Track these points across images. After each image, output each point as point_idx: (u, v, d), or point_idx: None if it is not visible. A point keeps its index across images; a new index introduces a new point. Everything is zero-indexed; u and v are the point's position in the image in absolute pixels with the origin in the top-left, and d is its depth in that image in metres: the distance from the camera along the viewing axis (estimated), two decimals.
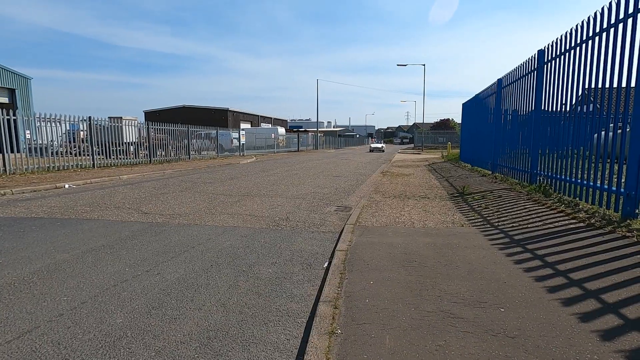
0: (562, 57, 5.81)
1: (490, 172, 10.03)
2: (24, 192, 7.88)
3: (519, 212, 5.15)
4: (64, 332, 2.23)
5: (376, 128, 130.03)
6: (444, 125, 67.58)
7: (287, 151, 35.06)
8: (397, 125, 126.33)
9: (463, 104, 15.77)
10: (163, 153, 17.62)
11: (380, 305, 2.42)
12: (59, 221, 5.14)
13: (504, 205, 5.66)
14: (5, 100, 23.57)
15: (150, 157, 16.40)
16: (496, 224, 4.61)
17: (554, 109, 6.12)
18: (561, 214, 4.81)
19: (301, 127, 68.75)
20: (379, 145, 39.92)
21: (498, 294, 2.58)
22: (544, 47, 6.55)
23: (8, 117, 10.59)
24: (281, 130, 37.57)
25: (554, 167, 6.04)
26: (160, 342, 2.14)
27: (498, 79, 9.55)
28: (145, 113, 46.82)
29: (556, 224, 4.37)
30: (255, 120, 51.54)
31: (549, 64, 6.33)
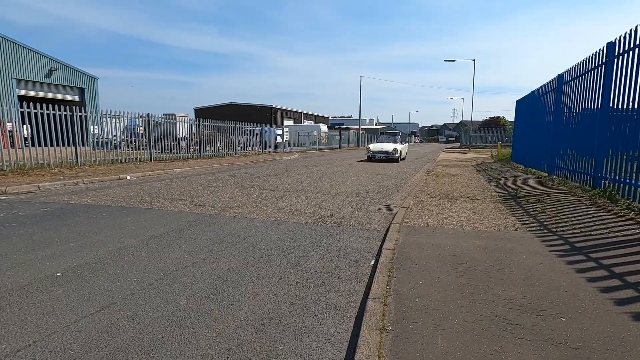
0: (638, 49, 5.28)
1: (547, 174, 9.40)
2: (93, 182, 8.70)
3: (580, 217, 4.80)
4: (136, 309, 2.47)
5: (420, 126, 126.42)
6: (494, 123, 64.11)
7: (329, 148, 35.24)
8: (442, 123, 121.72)
9: (517, 101, 14.87)
10: (211, 148, 18.50)
11: (430, 306, 2.41)
12: (124, 209, 5.63)
13: (563, 210, 5.30)
14: (75, 98, 26.04)
15: (200, 152, 17.30)
16: (554, 229, 4.34)
17: (625, 107, 5.59)
18: (630, 222, 4.41)
19: (343, 124, 68.66)
20: (387, 148, 17.37)
21: (558, 302, 2.45)
22: (614, 40, 6.00)
23: (80, 114, 11.71)
24: (323, 127, 37.74)
25: (623, 170, 5.53)
26: (220, 325, 2.30)
27: (558, 75, 8.89)
28: (195, 110, 49.37)
29: (625, 233, 4.02)
30: (298, 117, 52.34)
31: (620, 57, 5.79)
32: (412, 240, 3.96)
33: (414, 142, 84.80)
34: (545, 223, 4.65)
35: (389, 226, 4.66)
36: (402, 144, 18.64)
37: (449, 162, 16.91)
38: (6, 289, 2.72)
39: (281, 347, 2.07)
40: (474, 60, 32.46)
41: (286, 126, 28.07)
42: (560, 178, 8.29)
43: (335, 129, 47.53)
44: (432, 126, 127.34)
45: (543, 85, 10.46)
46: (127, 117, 13.84)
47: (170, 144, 15.86)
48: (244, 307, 2.54)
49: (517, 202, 6.21)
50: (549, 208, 5.51)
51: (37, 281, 2.87)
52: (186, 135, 17.60)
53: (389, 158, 17.03)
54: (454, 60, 33.15)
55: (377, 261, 3.41)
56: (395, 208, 6.04)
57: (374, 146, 17.81)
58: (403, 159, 18.70)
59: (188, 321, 2.33)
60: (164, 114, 16.53)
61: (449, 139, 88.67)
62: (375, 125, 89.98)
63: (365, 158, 18.39)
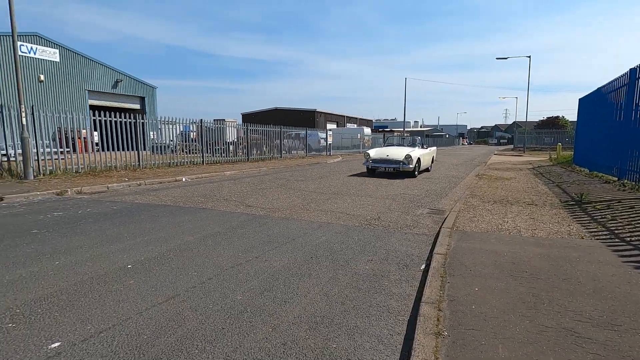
0: None
1: (616, 179, 8.54)
2: (153, 184, 9.40)
3: None
4: (197, 301, 2.64)
5: (468, 127, 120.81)
6: (552, 123, 59.49)
7: None
8: (493, 125, 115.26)
9: (580, 99, 13.70)
10: (258, 152, 19.15)
11: (489, 314, 2.31)
12: (182, 209, 6.02)
13: (639, 218, 4.79)
14: (137, 106, 28.32)
15: (247, 156, 17.99)
16: (628, 238, 3.95)
17: None
18: None
19: (386, 127, 67.69)
20: (397, 154, 11.10)
21: (637, 317, 2.24)
22: None
23: (143, 120, 12.74)
24: (367, 130, 37.44)
25: None
26: (275, 320, 2.38)
27: (630, 69, 8.07)
28: (242, 115, 51.44)
29: None
30: (341, 120, 52.48)
31: None
32: (464, 245, 3.81)
33: (462, 144, 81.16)
34: (616, 231, 4.25)
35: (439, 230, 4.53)
36: (422, 148, 12.51)
37: (502, 166, 15.98)
38: (88, 277, 3.04)
39: (334, 346, 2.10)
40: (529, 57, 30.47)
41: (329, 129, 28.28)
42: (634, 183, 7.50)
43: (379, 131, 46.93)
44: (481, 128, 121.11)
45: (612, 81, 9.55)
46: (181, 123, 14.78)
47: (220, 148, 16.68)
48: (296, 304, 2.61)
49: (583, 208, 5.72)
50: (621, 215, 5.01)
51: (112, 272, 3.18)
52: (235, 140, 18.41)
53: (398, 170, 10.93)
54: (506, 58, 31.32)
55: (428, 265, 3.34)
56: (445, 212, 5.84)
57: (376, 152, 11.63)
58: (427, 169, 12.90)
59: (245, 315, 2.44)
60: (214, 120, 17.42)
61: (501, 140, 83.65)
62: (420, 127, 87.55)
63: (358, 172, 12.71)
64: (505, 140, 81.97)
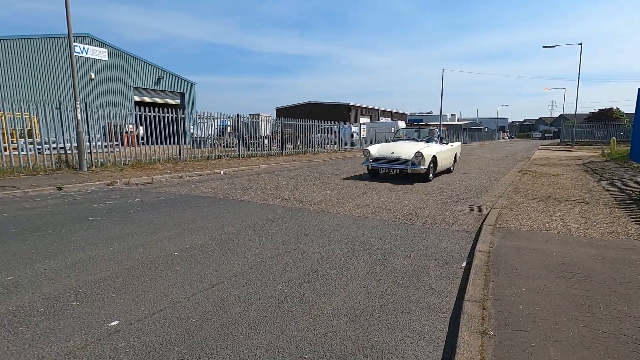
0: None
1: None
2: (193, 176, 9.81)
3: None
4: (240, 289, 2.74)
5: (510, 121, 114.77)
6: (604, 116, 55.11)
7: None
8: (537, 118, 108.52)
9: None
10: (292, 146, 19.37)
11: (538, 315, 2.20)
12: (221, 201, 6.24)
13: None
14: (177, 102, 29.54)
15: (282, 149, 18.26)
16: None
17: None
18: None
19: (421, 120, 65.85)
20: (404, 151, 8.65)
21: None
22: None
23: (183, 115, 13.30)
24: (401, 124, 36.61)
25: None
26: (315, 311, 2.42)
27: None
28: (276, 110, 52.15)
29: None
30: (374, 114, 51.77)
31: None
32: (509, 243, 3.65)
33: (502, 138, 77.31)
34: None
35: (481, 227, 4.36)
36: (440, 144, 9.93)
37: (547, 161, 15.07)
38: (139, 262, 3.25)
39: (375, 339, 2.10)
40: (581, 44, 28.27)
41: (363, 123, 27.98)
42: None
43: (414, 125, 45.79)
44: (524, 121, 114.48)
45: None
46: (218, 118, 15.26)
47: (255, 142, 17.05)
48: (335, 296, 2.63)
49: None
50: None
51: (160, 258, 3.37)
52: (269, 134, 18.73)
53: (405, 172, 8.46)
54: (554, 46, 29.27)
55: (469, 263, 3.24)
56: (486, 209, 5.62)
57: (378, 149, 9.31)
58: (448, 170, 10.56)
59: (286, 304, 2.50)
60: (249, 114, 17.81)
61: (546, 134, 78.68)
62: (457, 121, 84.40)
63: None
64: (551, 134, 77.05)
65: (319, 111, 44.14)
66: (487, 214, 5.12)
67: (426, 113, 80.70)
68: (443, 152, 9.56)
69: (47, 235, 4.06)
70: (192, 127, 15.75)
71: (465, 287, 2.69)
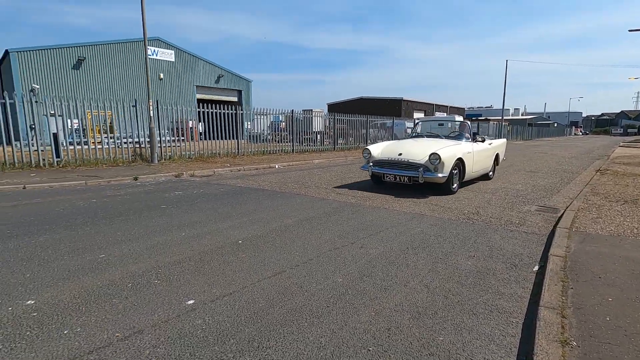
0: None
1: None
2: (250, 169, 10.25)
3: None
4: (302, 279, 2.83)
5: (584, 115, 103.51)
6: None
7: None
8: (617, 112, 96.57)
9: None
10: (344, 141, 19.37)
11: (630, 329, 1.99)
12: (278, 194, 6.45)
13: None
14: (234, 99, 30.97)
15: (334, 145, 18.34)
16: None
17: None
18: None
19: (480, 115, 62.04)
20: (415, 153, 6.42)
21: None
22: None
23: (241, 112, 13.93)
24: (458, 118, 34.93)
25: None
26: (377, 305, 2.42)
27: None
28: (328, 105, 52.42)
29: None
30: (429, 109, 49.81)
31: None
32: (589, 249, 3.33)
33: (575, 134, 70.05)
34: None
35: (554, 230, 4.02)
36: (474, 142, 7.28)
37: (632, 160, 13.38)
38: (208, 249, 3.49)
39: (441, 339, 2.05)
40: None
41: (417, 119, 27.06)
42: None
43: (472, 120, 43.30)
44: (601, 115, 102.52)
45: None
46: (272, 114, 15.72)
47: (308, 137, 17.32)
48: (397, 292, 2.61)
49: None
50: None
51: (226, 245, 3.59)
52: (321, 129, 18.90)
53: (415, 180, 6.27)
54: None
55: (542, 267, 3.01)
56: (559, 211, 5.16)
57: (383, 149, 7.15)
58: (486, 176, 8.16)
59: (347, 297, 2.53)
60: (303, 110, 18.11)
61: (629, 130, 69.79)
62: (522, 115, 78.16)
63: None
64: (635, 130, 68.26)
65: (371, 106, 43.51)
66: (561, 215, 4.70)
67: (486, 107, 75.90)
68: (475, 153, 7.05)
69: (129, 220, 4.52)
70: (248, 123, 16.42)
71: (539, 292, 2.50)
